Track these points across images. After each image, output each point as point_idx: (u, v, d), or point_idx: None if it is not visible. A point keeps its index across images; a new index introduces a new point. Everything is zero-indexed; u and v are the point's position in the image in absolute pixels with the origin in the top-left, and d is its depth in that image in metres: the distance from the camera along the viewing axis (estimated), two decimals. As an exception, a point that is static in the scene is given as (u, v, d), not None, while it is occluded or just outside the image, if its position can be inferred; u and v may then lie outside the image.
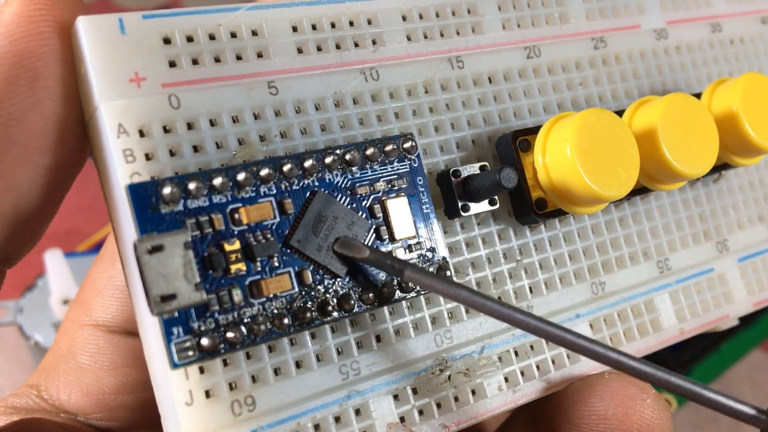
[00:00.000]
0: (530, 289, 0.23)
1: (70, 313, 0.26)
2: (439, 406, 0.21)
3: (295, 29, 0.21)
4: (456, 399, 0.22)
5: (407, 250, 0.20)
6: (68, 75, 0.19)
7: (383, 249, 0.20)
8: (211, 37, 0.20)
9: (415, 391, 0.21)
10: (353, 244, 0.19)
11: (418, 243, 0.21)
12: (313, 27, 0.21)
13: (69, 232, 0.57)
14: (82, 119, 0.19)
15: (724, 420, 0.54)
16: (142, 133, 0.18)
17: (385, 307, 0.21)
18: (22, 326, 0.51)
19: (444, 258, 0.21)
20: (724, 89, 0.25)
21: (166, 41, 0.19)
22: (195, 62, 0.19)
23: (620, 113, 0.24)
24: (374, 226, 0.20)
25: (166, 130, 0.19)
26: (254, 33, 0.20)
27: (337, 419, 0.20)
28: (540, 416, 0.24)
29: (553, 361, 0.23)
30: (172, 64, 0.19)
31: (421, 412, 0.21)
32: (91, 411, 0.25)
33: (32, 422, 0.23)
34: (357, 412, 0.20)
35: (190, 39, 0.19)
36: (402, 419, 0.21)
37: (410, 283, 0.19)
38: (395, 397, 0.21)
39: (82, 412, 0.25)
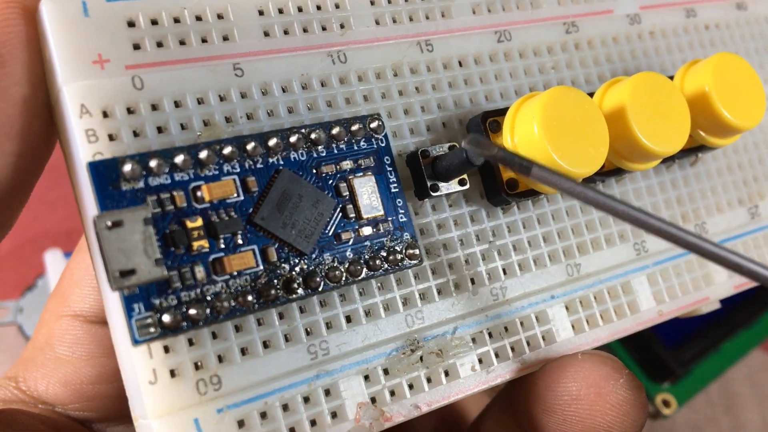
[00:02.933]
0: (504, 270, 0.23)
1: (49, 305, 0.26)
2: (411, 386, 0.21)
3: (261, 13, 0.21)
4: (428, 380, 0.22)
5: (374, 228, 0.20)
6: (34, 60, 0.19)
7: (350, 229, 0.20)
8: (176, 20, 0.20)
9: (386, 371, 0.21)
10: (483, 141, 0.19)
11: (386, 221, 0.21)
12: (280, 11, 0.21)
13: (69, 232, 0.57)
14: (49, 104, 0.19)
15: (724, 420, 0.53)
16: (105, 114, 0.19)
17: (355, 287, 0.21)
18: (22, 326, 0.51)
19: (413, 236, 0.21)
20: (696, 70, 0.25)
21: (130, 24, 0.19)
22: (159, 45, 0.20)
23: (593, 96, 0.24)
24: (340, 205, 0.20)
25: (129, 111, 0.19)
26: (219, 16, 0.21)
27: (306, 399, 0.20)
28: (517, 400, 0.24)
29: (528, 343, 0.23)
30: (136, 47, 0.19)
31: (392, 393, 0.21)
32: (69, 401, 0.25)
33: (7, 413, 0.23)
34: (327, 392, 0.20)
35: (154, 22, 0.20)
36: (373, 399, 0.21)
37: (538, 182, 0.19)
38: (366, 377, 0.21)
39: (60, 402, 0.25)
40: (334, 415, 0.20)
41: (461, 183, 0.22)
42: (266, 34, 0.21)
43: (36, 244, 0.54)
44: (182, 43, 0.20)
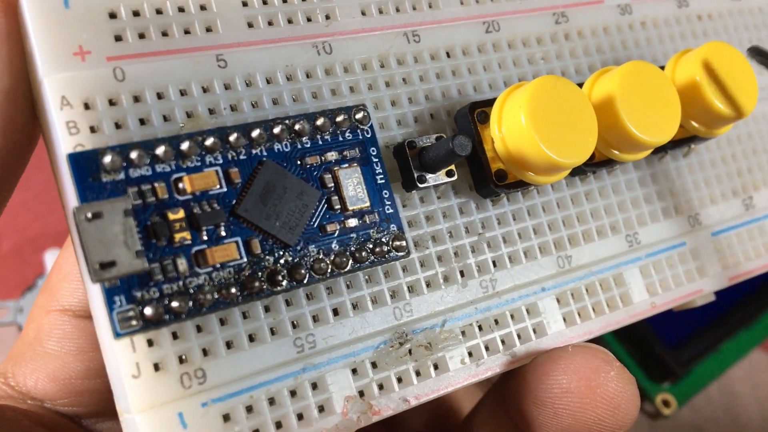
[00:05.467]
0: (494, 263, 0.23)
1: (38, 300, 0.26)
2: (399, 380, 0.21)
3: (245, 4, 0.21)
4: (417, 373, 0.21)
5: (360, 220, 0.20)
6: (15, 53, 0.19)
7: (335, 220, 0.20)
8: (158, 12, 0.20)
9: (374, 364, 0.21)
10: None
11: (372, 213, 0.20)
12: (264, 2, 0.21)
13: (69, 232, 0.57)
14: (31, 96, 0.19)
15: (724, 420, 0.53)
16: (86, 106, 0.18)
17: (342, 280, 0.21)
18: (22, 326, 0.51)
19: (399, 228, 0.21)
20: (687, 59, 0.25)
21: (112, 16, 0.19)
22: (141, 36, 0.19)
23: (582, 86, 0.24)
24: (325, 196, 0.20)
25: (111, 103, 0.19)
26: (202, 8, 0.20)
27: (292, 393, 0.20)
28: (508, 393, 0.24)
29: (518, 336, 0.23)
30: (117, 38, 0.19)
31: (381, 386, 0.21)
32: (57, 397, 0.25)
33: (-6, 408, 0.23)
34: (314, 385, 0.20)
35: (136, 13, 0.19)
36: (361, 393, 0.21)
37: None
38: (353, 370, 0.21)
39: (48, 398, 0.25)
40: (321, 408, 0.20)
41: (449, 174, 0.22)
42: (250, 25, 0.21)
43: (36, 244, 0.54)
44: (165, 34, 0.20)
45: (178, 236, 0.18)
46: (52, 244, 0.54)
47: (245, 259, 0.19)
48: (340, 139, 0.20)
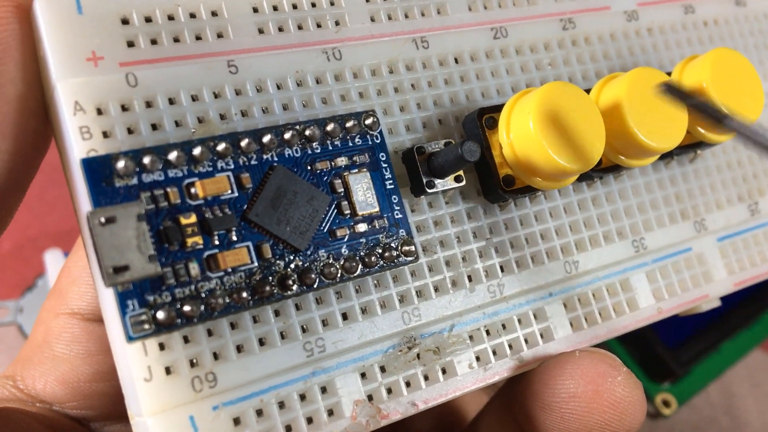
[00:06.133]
0: (501, 267, 0.23)
1: (46, 303, 0.26)
2: (408, 384, 0.21)
3: (255, 10, 0.21)
4: (426, 377, 0.22)
5: (369, 225, 0.20)
6: (28, 58, 0.19)
7: (345, 225, 0.20)
8: (170, 18, 0.20)
9: (383, 369, 0.21)
10: (680, 87, 0.19)
11: (381, 218, 0.21)
12: (274, 8, 0.21)
13: (69, 232, 0.57)
14: (44, 101, 0.19)
15: (724, 420, 0.53)
16: (99, 111, 0.19)
17: (351, 284, 0.21)
18: (22, 326, 0.51)
19: (408, 233, 0.21)
20: (694, 65, 0.25)
21: (124, 22, 0.19)
22: (153, 42, 0.20)
23: (590, 93, 0.24)
24: (335, 201, 0.20)
25: (123, 108, 0.19)
26: (214, 14, 0.20)
27: (302, 396, 0.20)
28: (515, 397, 0.24)
29: (526, 340, 0.23)
30: (130, 44, 0.19)
31: (389, 390, 0.21)
32: (66, 400, 0.25)
33: (3, 412, 0.23)
34: (323, 389, 0.20)
35: (148, 19, 0.20)
36: (370, 397, 0.21)
37: (741, 140, 0.19)
38: (362, 375, 0.21)
39: (57, 401, 0.25)
40: (330, 412, 0.20)
41: (457, 180, 0.22)
42: (261, 31, 0.21)
43: (36, 244, 0.54)
44: (176, 40, 0.20)
45: (190, 241, 0.18)
46: (52, 244, 0.54)
47: (256, 264, 0.19)
48: (350, 144, 0.21)
